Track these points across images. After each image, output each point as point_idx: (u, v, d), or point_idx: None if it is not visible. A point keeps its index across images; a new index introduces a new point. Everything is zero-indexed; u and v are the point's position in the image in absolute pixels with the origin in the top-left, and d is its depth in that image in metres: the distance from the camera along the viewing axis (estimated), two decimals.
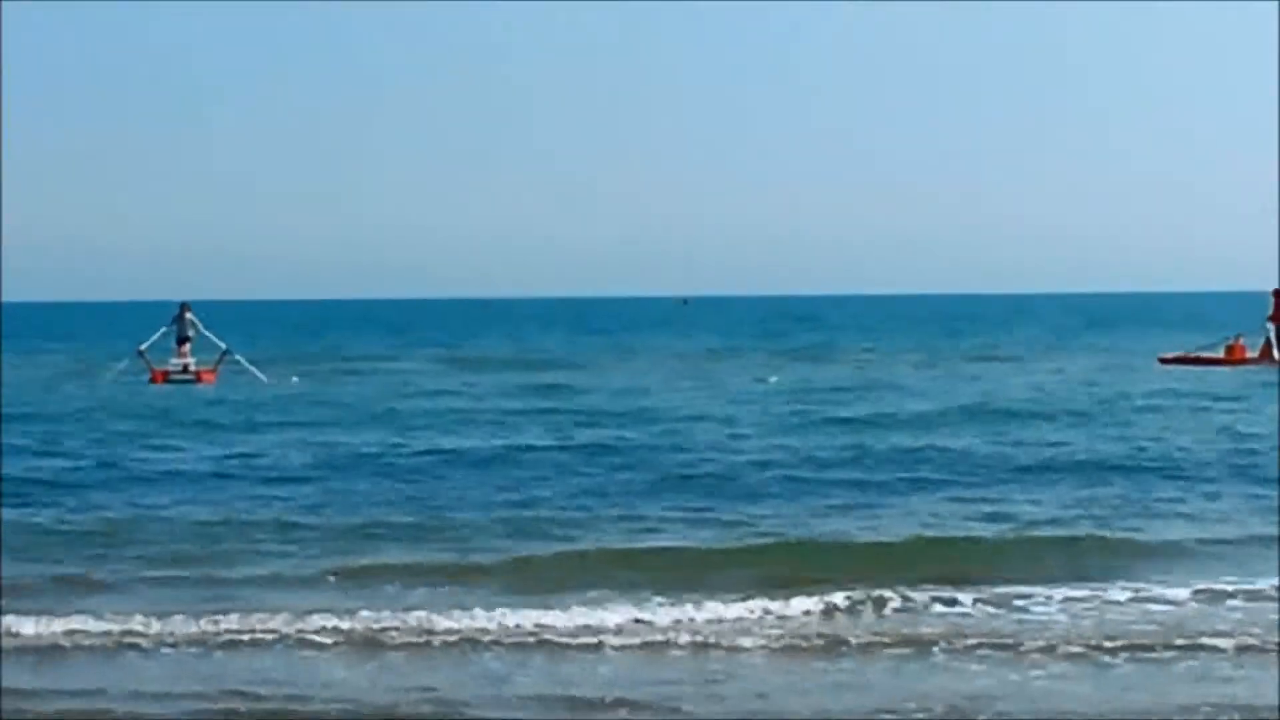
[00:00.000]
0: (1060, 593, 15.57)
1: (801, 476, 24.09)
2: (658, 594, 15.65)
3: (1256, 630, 14.05)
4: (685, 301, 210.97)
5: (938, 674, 12.95)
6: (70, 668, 13.53)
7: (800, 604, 15.17)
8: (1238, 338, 50.00)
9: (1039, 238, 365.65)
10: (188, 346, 47.37)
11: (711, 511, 20.88)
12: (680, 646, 13.98)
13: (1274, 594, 15.51)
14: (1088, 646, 13.57)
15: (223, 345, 47.73)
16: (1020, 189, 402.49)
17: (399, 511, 21.04)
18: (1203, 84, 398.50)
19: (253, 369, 47.99)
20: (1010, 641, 13.81)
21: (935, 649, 13.63)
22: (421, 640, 14.20)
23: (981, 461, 25.57)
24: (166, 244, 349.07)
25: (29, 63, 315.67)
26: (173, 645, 14.11)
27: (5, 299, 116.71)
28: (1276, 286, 48.27)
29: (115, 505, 21.75)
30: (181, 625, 14.54)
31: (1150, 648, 13.54)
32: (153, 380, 46.28)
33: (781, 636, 14.16)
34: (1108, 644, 13.61)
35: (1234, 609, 15.13)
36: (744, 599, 15.29)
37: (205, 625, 14.51)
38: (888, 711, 11.75)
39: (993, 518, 20.23)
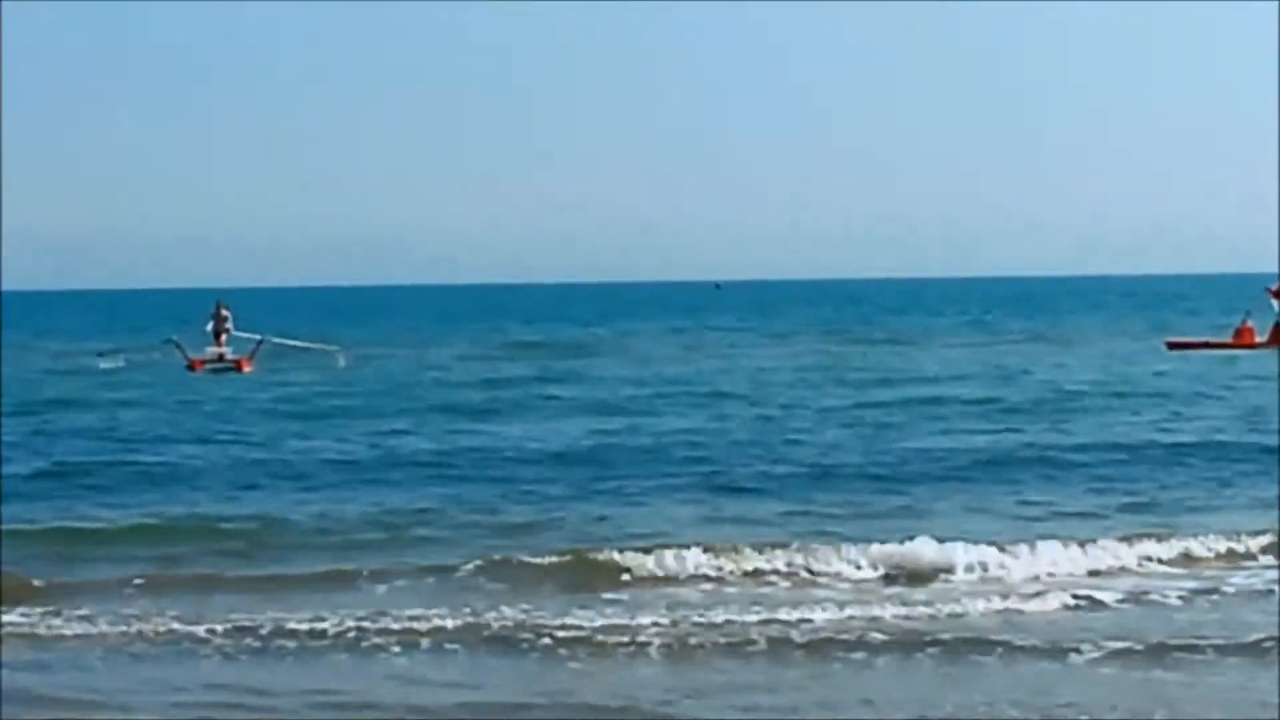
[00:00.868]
0: None
1: None
2: None
3: None
4: (719, 286, 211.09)
5: None
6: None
7: None
8: (1245, 319, 49.87)
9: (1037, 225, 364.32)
10: (224, 338, 49.20)
11: None
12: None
13: None
14: None
15: (257, 337, 49.74)
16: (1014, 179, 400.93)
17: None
18: (1197, 78, 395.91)
19: (297, 343, 51.09)
20: None
21: None
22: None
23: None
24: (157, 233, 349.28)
25: (28, 58, 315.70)
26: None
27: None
28: None
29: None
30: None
31: None
32: (190, 368, 47.62)
33: None
34: None
35: None
36: None
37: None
38: None
39: None
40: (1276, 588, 15.95)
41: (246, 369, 47.51)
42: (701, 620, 14.79)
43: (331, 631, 14.41)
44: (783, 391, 38.04)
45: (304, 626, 14.55)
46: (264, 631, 14.46)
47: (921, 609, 15.22)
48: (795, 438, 28.22)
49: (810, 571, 17.00)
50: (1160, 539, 17.99)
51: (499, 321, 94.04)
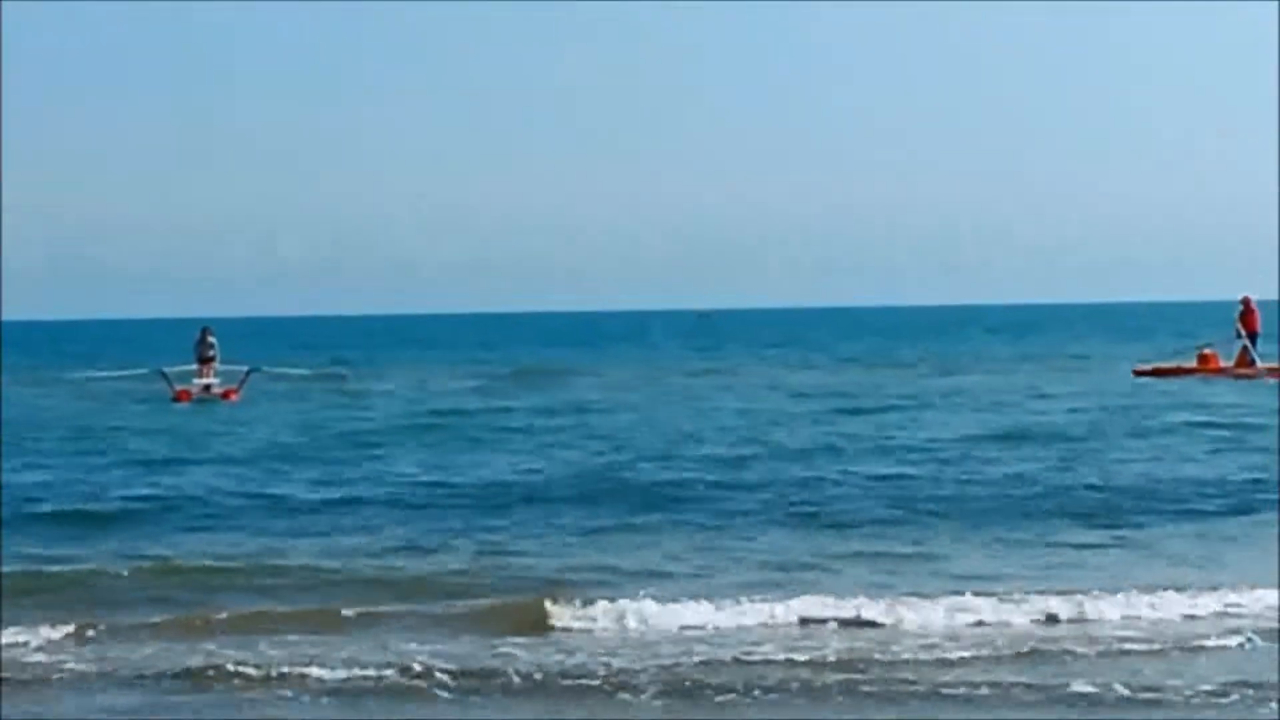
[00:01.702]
0: None
1: None
2: None
3: None
4: (704, 315, 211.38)
5: None
6: None
7: None
8: (1206, 346, 50.10)
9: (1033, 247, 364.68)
10: (210, 367, 48.04)
11: None
12: None
13: None
14: None
15: (245, 367, 48.97)
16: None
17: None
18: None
19: (287, 370, 51.12)
20: None
21: None
22: None
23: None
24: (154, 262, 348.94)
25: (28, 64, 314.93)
26: None
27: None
28: (1244, 295, 48.72)
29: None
30: None
31: None
32: (176, 399, 46.43)
33: None
34: None
35: None
36: None
37: None
38: None
39: None
40: None
41: (233, 398, 46.57)
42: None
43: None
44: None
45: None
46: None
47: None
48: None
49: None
50: None
51: (479, 350, 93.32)
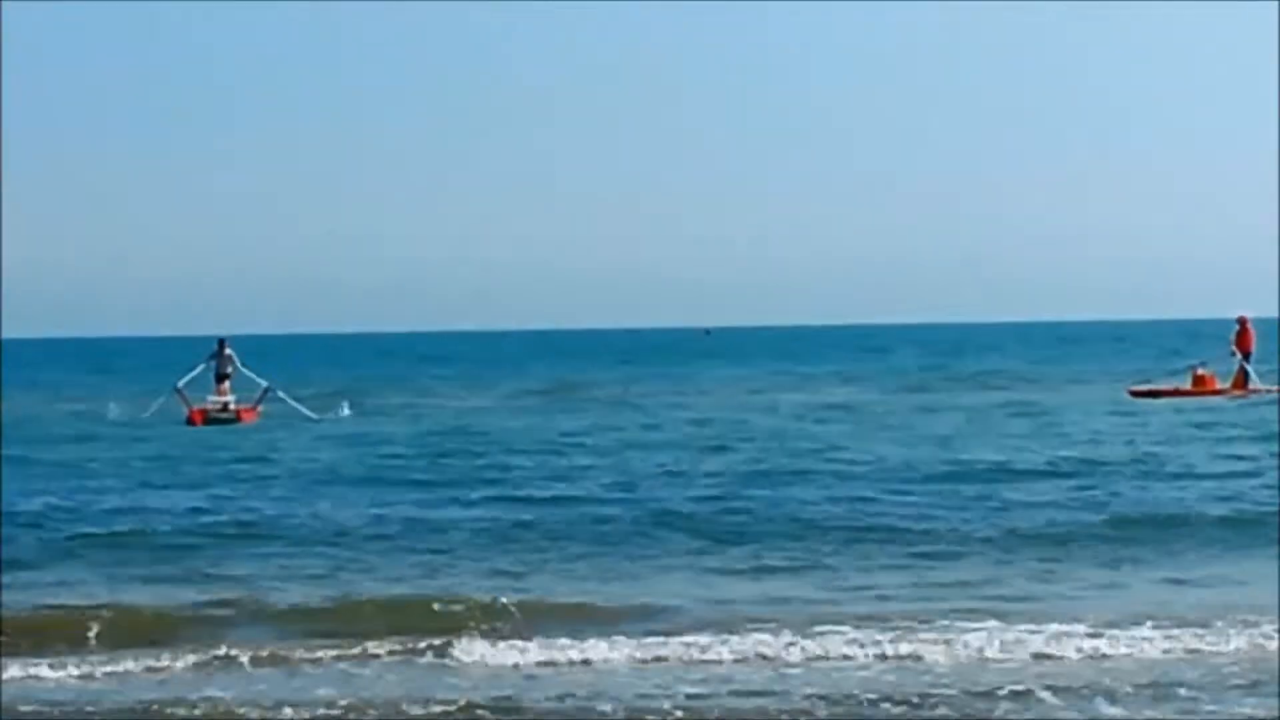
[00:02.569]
0: None
1: None
2: None
3: None
4: (708, 332, 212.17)
5: None
6: None
7: None
8: (1201, 366, 49.96)
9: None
10: (227, 384, 46.24)
11: None
12: None
13: None
14: None
15: (263, 383, 46.82)
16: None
17: None
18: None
19: (298, 405, 46.53)
20: None
21: None
22: None
23: None
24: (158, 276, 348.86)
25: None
26: None
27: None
28: (1241, 314, 48.96)
29: None
30: None
31: None
32: (190, 420, 44.27)
33: None
34: None
35: None
36: None
37: None
38: None
39: None
40: None
41: (249, 419, 44.84)
42: None
43: None
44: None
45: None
46: None
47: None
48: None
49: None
50: None
51: (503, 368, 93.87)
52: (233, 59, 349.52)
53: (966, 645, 16.01)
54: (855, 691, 14.43)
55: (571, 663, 15.82)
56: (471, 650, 16.09)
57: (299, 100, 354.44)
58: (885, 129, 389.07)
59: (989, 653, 15.84)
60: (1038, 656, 15.84)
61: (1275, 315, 51.79)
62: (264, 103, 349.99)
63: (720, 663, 15.73)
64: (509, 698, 14.41)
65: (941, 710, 13.90)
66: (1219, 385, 48.76)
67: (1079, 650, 15.98)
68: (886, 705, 14.07)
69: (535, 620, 17.48)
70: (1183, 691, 14.34)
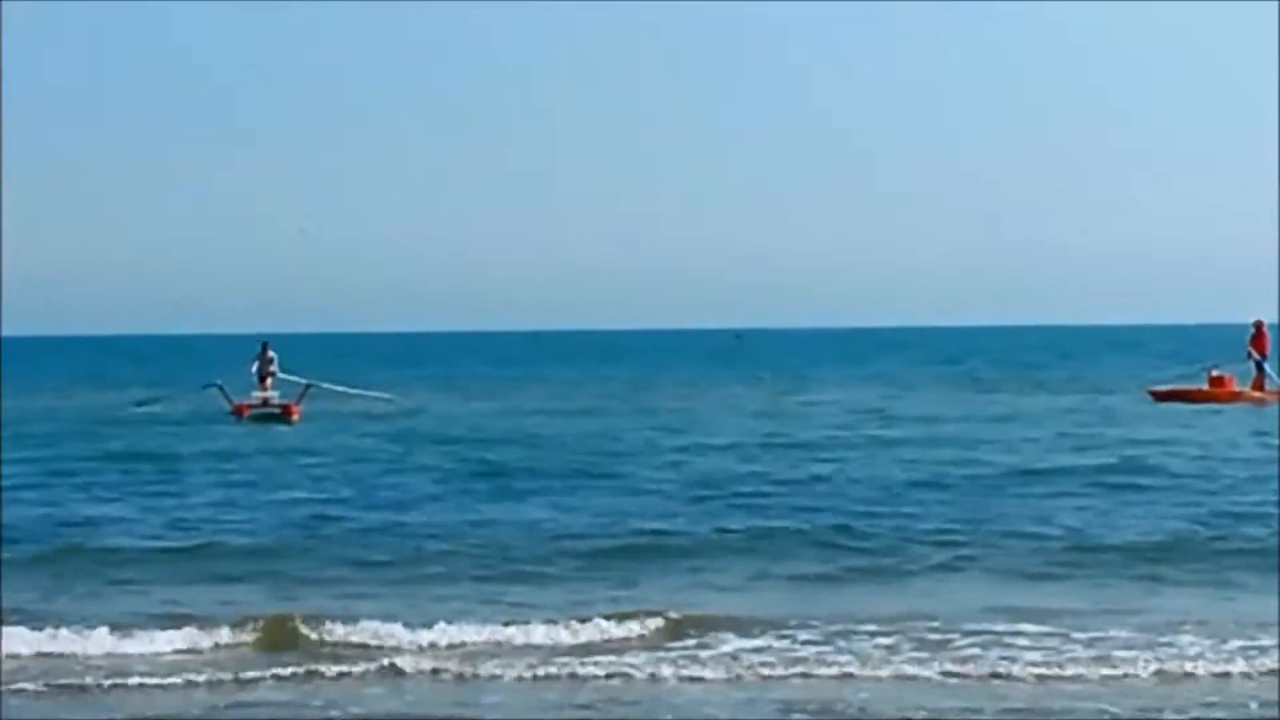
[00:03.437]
0: None
1: None
2: None
3: None
4: (739, 336, 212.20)
5: None
6: None
7: None
8: (1214, 368, 50.08)
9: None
10: (269, 382, 48.50)
11: None
12: None
13: None
14: None
15: (303, 381, 48.96)
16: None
17: None
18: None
19: (360, 392, 51.41)
20: None
21: None
22: None
23: None
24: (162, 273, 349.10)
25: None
26: None
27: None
28: (1257, 318, 48.97)
29: None
30: None
31: None
32: (236, 413, 46.96)
33: None
34: None
35: None
36: None
37: None
38: None
39: None
40: None
41: (295, 416, 46.56)
42: None
43: None
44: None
45: None
46: None
47: None
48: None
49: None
50: None
51: (533, 368, 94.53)
52: (231, 58, 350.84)
53: None
54: None
55: None
56: None
57: (297, 100, 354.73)
58: (915, 140, 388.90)
59: None
60: None
61: (1276, 320, 51.75)
62: (262, 103, 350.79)
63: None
64: None
65: None
66: (1236, 387, 49.07)
67: None
68: None
69: None
70: None
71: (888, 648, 16.42)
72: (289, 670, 15.73)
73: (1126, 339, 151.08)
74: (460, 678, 15.60)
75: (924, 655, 16.04)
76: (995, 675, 15.34)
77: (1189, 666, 15.49)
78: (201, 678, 15.53)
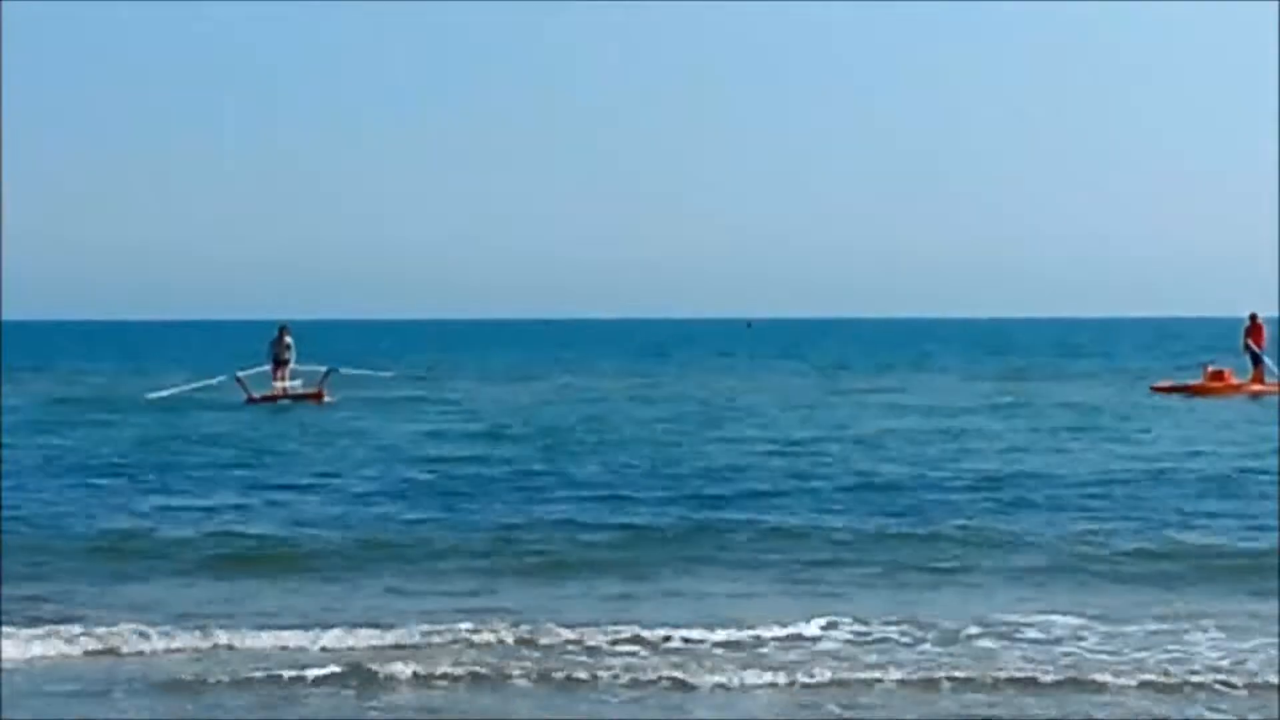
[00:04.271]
0: None
1: None
2: None
3: None
4: (750, 324, 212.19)
5: None
6: None
7: None
8: (1211, 363, 50.25)
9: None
10: (286, 370, 46.67)
11: None
12: None
13: None
14: None
15: (323, 368, 47.84)
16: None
17: None
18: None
19: (368, 371, 52.55)
20: None
21: None
22: None
23: None
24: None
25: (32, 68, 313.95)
26: None
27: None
28: (1252, 311, 48.53)
29: None
30: None
31: None
32: (251, 402, 45.31)
33: None
34: None
35: None
36: None
37: None
38: None
39: None
40: None
41: (324, 400, 45.47)
42: None
43: None
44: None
45: None
46: None
47: None
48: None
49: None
50: None
51: (548, 353, 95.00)
52: (231, 59, 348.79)
53: None
54: None
55: None
56: None
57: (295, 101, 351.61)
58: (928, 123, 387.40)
59: None
60: None
61: (1276, 314, 51.69)
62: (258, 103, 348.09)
63: None
64: None
65: None
66: (1235, 380, 48.80)
67: None
68: None
69: None
70: None
71: (907, 645, 15.83)
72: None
73: (1115, 332, 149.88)
74: None
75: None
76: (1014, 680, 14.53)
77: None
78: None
